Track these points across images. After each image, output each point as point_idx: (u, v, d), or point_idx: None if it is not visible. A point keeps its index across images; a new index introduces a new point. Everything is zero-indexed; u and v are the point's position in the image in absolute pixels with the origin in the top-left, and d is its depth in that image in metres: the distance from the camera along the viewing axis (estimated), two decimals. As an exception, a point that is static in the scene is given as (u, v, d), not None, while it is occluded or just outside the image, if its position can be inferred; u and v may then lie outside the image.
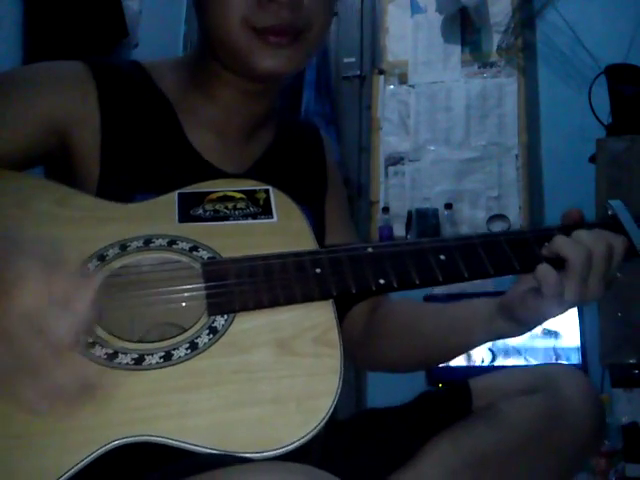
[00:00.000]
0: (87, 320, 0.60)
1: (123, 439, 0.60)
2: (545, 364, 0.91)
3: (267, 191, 0.84)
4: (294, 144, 1.01)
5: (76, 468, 0.58)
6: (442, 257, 0.77)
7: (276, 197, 0.84)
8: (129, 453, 0.60)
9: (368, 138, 3.08)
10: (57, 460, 0.58)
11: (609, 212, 0.85)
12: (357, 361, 1.01)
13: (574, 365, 2.37)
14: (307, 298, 0.72)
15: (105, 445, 0.59)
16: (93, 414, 0.61)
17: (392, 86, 3.12)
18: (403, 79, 3.10)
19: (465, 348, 0.92)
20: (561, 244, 0.77)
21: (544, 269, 0.76)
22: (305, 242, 0.79)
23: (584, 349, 2.38)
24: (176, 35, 3.16)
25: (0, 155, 0.80)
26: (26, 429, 0.60)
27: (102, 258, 0.73)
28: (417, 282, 0.76)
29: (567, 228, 0.81)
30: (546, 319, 0.81)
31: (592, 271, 0.76)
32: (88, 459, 0.59)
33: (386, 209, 2.97)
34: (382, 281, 0.75)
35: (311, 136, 1.06)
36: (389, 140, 3.07)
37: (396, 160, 3.05)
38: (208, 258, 0.75)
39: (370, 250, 0.77)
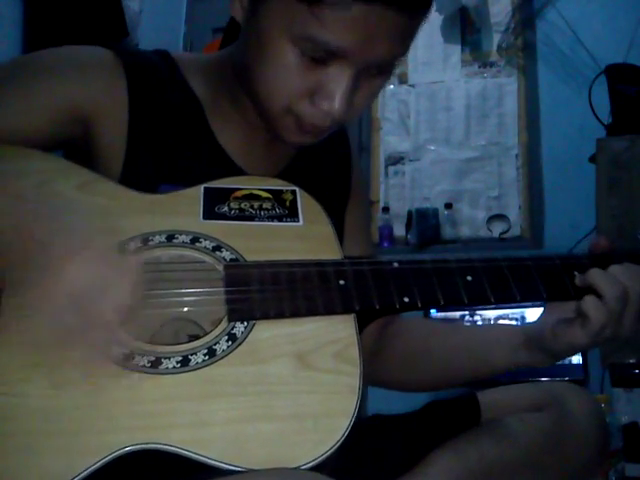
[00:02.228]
0: (130, 301, 0.61)
1: (135, 445, 0.59)
2: (551, 381, 0.90)
3: (294, 192, 0.82)
4: (321, 149, 0.98)
5: (87, 472, 0.57)
6: (469, 278, 0.76)
7: (303, 199, 0.82)
8: (141, 460, 0.60)
9: (368, 138, 3.08)
10: (68, 462, 0.58)
11: None
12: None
13: (575, 364, 2.37)
14: (329, 311, 0.71)
15: (117, 450, 0.58)
16: (107, 418, 0.60)
17: (392, 86, 3.11)
18: (403, 79, 3.10)
19: (481, 374, 0.90)
20: (597, 278, 0.76)
21: (594, 303, 0.75)
22: (330, 250, 0.77)
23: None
24: (176, 35, 3.16)
25: (22, 139, 0.78)
26: (37, 429, 0.59)
27: (123, 250, 0.71)
28: (442, 302, 0.75)
29: (596, 258, 0.80)
30: (577, 352, 0.81)
31: (627, 309, 0.75)
32: (99, 464, 0.58)
33: (386, 209, 2.97)
34: (406, 299, 0.74)
35: (339, 143, 1.04)
36: (389, 140, 3.07)
37: (396, 160, 3.05)
38: (231, 259, 0.74)
39: (396, 265, 0.76)
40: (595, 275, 0.76)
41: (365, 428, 0.87)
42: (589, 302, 0.75)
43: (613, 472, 1.85)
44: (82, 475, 0.57)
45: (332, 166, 1.01)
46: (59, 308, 0.59)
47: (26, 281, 0.60)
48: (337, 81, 0.75)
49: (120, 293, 0.61)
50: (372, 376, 0.98)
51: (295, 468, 0.60)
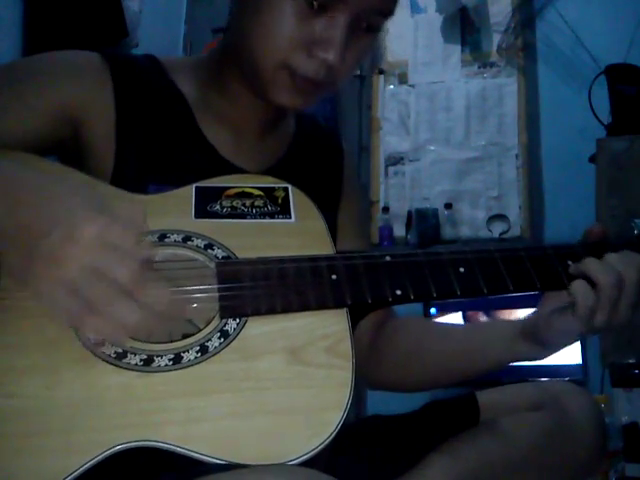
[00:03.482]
0: (145, 257, 0.62)
1: (127, 443, 0.59)
2: (550, 381, 0.89)
3: (286, 189, 0.83)
4: (313, 150, 1.00)
5: (79, 471, 0.57)
6: (461, 270, 0.76)
7: (295, 196, 0.82)
8: (136, 456, 0.60)
9: (368, 138, 3.08)
10: (62, 461, 0.58)
11: (635, 231, 0.83)
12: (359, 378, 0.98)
13: (575, 364, 2.37)
14: (321, 305, 0.71)
15: (109, 449, 0.59)
16: (99, 416, 0.61)
17: (392, 86, 3.11)
18: (403, 79, 3.10)
19: (479, 370, 0.90)
20: (591, 267, 0.75)
21: (582, 287, 0.75)
22: (322, 245, 0.77)
23: (584, 349, 2.38)
24: (176, 35, 3.16)
25: (13, 142, 0.79)
26: (32, 430, 0.59)
27: None
28: (434, 295, 0.74)
29: (590, 246, 0.80)
30: (571, 342, 0.80)
31: (622, 296, 0.75)
32: (92, 462, 0.58)
33: (386, 209, 2.97)
34: (399, 292, 0.73)
35: (332, 144, 1.05)
36: (389, 140, 3.07)
37: (396, 160, 3.05)
38: (223, 257, 0.74)
39: (388, 259, 0.76)
40: (589, 263, 0.76)
41: (364, 428, 0.87)
42: (577, 287, 0.75)
43: (613, 472, 1.85)
44: (75, 474, 0.57)
45: (324, 164, 1.01)
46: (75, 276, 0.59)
47: (27, 273, 0.61)
48: (333, 29, 0.78)
49: (134, 250, 0.61)
50: (371, 377, 0.98)
51: (297, 465, 0.60)
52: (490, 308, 2.48)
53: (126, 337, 0.62)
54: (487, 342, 0.87)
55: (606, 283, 0.74)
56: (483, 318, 2.50)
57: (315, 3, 0.77)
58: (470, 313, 2.52)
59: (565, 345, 0.81)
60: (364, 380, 1.00)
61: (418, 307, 2.53)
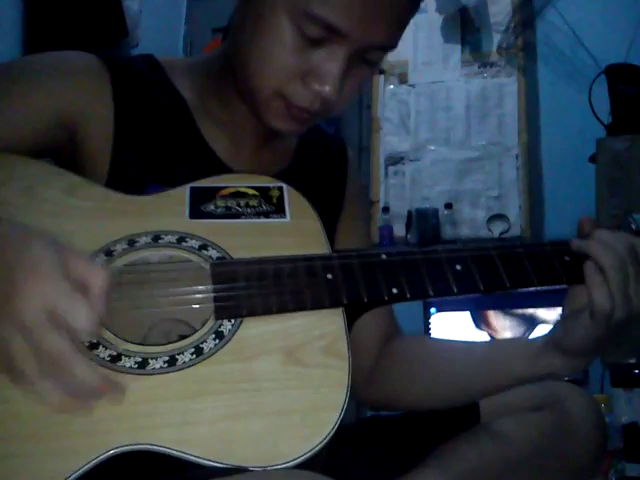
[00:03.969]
0: (103, 308, 0.58)
1: (122, 447, 0.58)
2: (551, 381, 0.86)
3: (281, 189, 0.82)
4: (316, 158, 0.99)
5: (75, 475, 0.57)
6: (458, 267, 0.75)
7: (290, 196, 0.81)
8: (134, 459, 0.59)
9: (368, 138, 3.08)
10: (56, 465, 0.57)
11: (632, 226, 0.82)
12: (362, 396, 0.93)
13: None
14: (317, 305, 0.70)
15: (104, 453, 0.58)
16: (93, 420, 0.60)
17: (392, 86, 3.11)
18: (403, 79, 3.10)
19: (501, 388, 0.85)
20: (593, 248, 0.73)
21: (601, 288, 0.72)
22: (318, 244, 0.77)
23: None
24: (176, 35, 3.16)
25: (7, 144, 0.79)
26: (24, 433, 0.59)
27: (109, 253, 0.72)
28: (431, 293, 0.74)
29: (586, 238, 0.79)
30: (594, 346, 0.75)
31: (630, 278, 0.72)
32: (87, 466, 0.57)
33: (386, 209, 2.97)
34: (395, 291, 0.73)
35: (336, 152, 1.03)
36: (389, 140, 3.07)
37: (396, 160, 3.05)
38: (217, 258, 0.73)
39: (384, 257, 0.75)
40: (590, 246, 0.74)
41: (364, 429, 0.87)
42: (592, 281, 0.73)
43: (613, 472, 1.85)
44: (71, 478, 0.57)
45: (327, 171, 1.00)
46: (28, 325, 0.56)
47: None
48: (331, 62, 0.76)
49: (75, 317, 0.56)
50: (373, 397, 0.94)
51: (294, 466, 0.60)
52: (500, 307, 2.46)
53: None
54: (509, 360, 0.82)
55: (610, 264, 0.72)
56: (492, 314, 2.49)
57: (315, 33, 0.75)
58: (481, 313, 2.50)
59: (593, 352, 0.76)
60: (368, 399, 0.95)
61: (418, 307, 2.53)
